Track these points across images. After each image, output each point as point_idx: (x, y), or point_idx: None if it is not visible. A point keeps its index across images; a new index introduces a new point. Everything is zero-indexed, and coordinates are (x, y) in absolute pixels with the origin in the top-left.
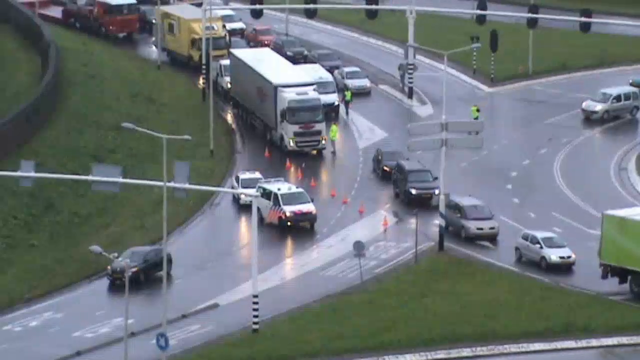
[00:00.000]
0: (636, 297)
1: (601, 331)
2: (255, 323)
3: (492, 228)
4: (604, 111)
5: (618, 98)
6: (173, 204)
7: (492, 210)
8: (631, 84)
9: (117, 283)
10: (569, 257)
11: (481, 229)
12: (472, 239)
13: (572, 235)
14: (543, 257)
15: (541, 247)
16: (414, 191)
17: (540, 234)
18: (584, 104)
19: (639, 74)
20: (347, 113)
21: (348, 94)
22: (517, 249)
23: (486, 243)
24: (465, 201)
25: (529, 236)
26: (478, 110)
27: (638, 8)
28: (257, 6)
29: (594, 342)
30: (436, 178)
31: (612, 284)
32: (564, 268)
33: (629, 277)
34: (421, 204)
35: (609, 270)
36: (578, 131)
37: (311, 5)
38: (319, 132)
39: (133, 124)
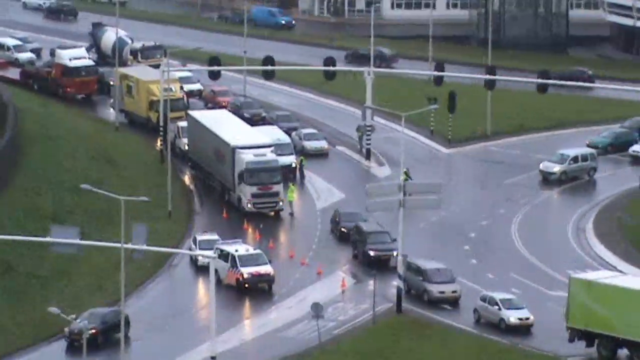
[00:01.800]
0: None
1: None
2: None
3: (454, 291)
4: (561, 172)
5: (575, 159)
6: (131, 266)
7: (453, 273)
8: (588, 145)
9: (76, 345)
10: (527, 318)
11: (443, 292)
12: (434, 303)
13: (530, 296)
14: (502, 319)
15: (500, 309)
16: (372, 253)
17: (498, 295)
18: (541, 165)
19: (596, 134)
20: (302, 177)
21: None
22: (475, 310)
23: (447, 306)
24: (427, 264)
25: (487, 298)
26: (406, 173)
27: (596, 69)
28: (215, 68)
29: None
30: (395, 239)
31: (568, 345)
32: (523, 329)
33: (596, 341)
34: (380, 266)
35: (576, 334)
36: (536, 192)
37: (269, 67)
38: (276, 194)
39: (91, 186)
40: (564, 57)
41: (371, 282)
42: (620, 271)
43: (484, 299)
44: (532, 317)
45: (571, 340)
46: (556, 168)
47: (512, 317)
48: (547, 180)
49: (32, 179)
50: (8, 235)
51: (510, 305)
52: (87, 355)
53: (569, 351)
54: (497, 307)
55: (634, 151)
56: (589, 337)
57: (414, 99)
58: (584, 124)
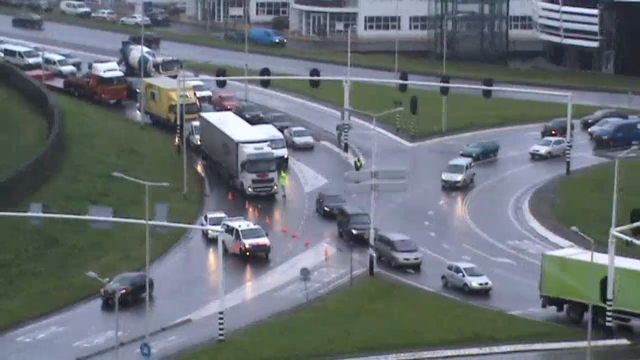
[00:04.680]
0: (572, 322)
1: (503, 340)
2: (221, 335)
3: (416, 258)
4: (463, 180)
5: (467, 167)
6: (154, 238)
7: (416, 243)
8: (462, 155)
9: (109, 303)
10: (486, 283)
11: (408, 259)
12: (400, 268)
13: (478, 262)
14: (465, 284)
15: (463, 276)
16: (354, 231)
17: (462, 265)
18: (443, 176)
19: (470, 143)
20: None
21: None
22: (443, 277)
23: (410, 270)
24: (394, 236)
25: (453, 266)
26: (359, 160)
27: (530, 78)
28: (222, 78)
29: (496, 349)
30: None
31: (511, 303)
32: (482, 293)
33: (565, 306)
34: (360, 241)
35: (548, 301)
36: (483, 178)
37: (266, 77)
38: (272, 180)
39: (121, 173)
40: (505, 68)
41: (349, 251)
42: (554, 242)
43: (450, 268)
44: (490, 283)
45: (544, 305)
46: (459, 177)
47: (474, 282)
48: (453, 188)
49: (73, 169)
50: (54, 214)
51: (472, 272)
52: (119, 311)
53: (511, 308)
54: (461, 274)
55: (534, 150)
56: (559, 303)
57: (383, 103)
58: (522, 122)
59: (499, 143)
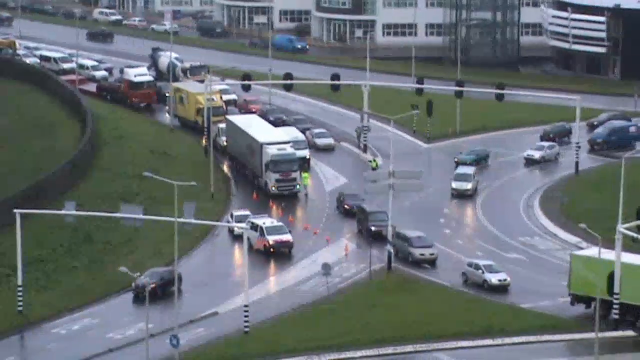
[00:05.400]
0: (600, 319)
1: (514, 332)
2: (246, 327)
3: (432, 254)
4: (472, 188)
5: (474, 176)
6: (182, 235)
7: (431, 239)
8: (457, 162)
9: (140, 296)
10: (505, 280)
11: (423, 254)
12: (416, 263)
13: (491, 258)
14: (485, 281)
15: (483, 272)
16: (373, 228)
17: (482, 262)
18: (454, 184)
19: (466, 149)
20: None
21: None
22: (463, 273)
23: (426, 265)
24: (411, 233)
25: (472, 264)
26: (374, 161)
27: (539, 82)
28: (247, 82)
29: (508, 340)
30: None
31: (522, 297)
32: (502, 289)
33: (593, 304)
34: (378, 238)
35: (576, 299)
36: (495, 177)
37: (289, 81)
38: (294, 179)
39: (151, 173)
40: (516, 73)
41: (368, 247)
42: (563, 239)
43: (470, 265)
44: (509, 279)
45: (572, 303)
46: (469, 185)
47: (494, 279)
48: (462, 196)
49: (105, 169)
50: (89, 212)
51: (491, 269)
52: (149, 304)
53: (522, 301)
54: (481, 271)
55: (528, 155)
56: (587, 301)
57: (401, 106)
58: (531, 124)
59: (489, 150)
